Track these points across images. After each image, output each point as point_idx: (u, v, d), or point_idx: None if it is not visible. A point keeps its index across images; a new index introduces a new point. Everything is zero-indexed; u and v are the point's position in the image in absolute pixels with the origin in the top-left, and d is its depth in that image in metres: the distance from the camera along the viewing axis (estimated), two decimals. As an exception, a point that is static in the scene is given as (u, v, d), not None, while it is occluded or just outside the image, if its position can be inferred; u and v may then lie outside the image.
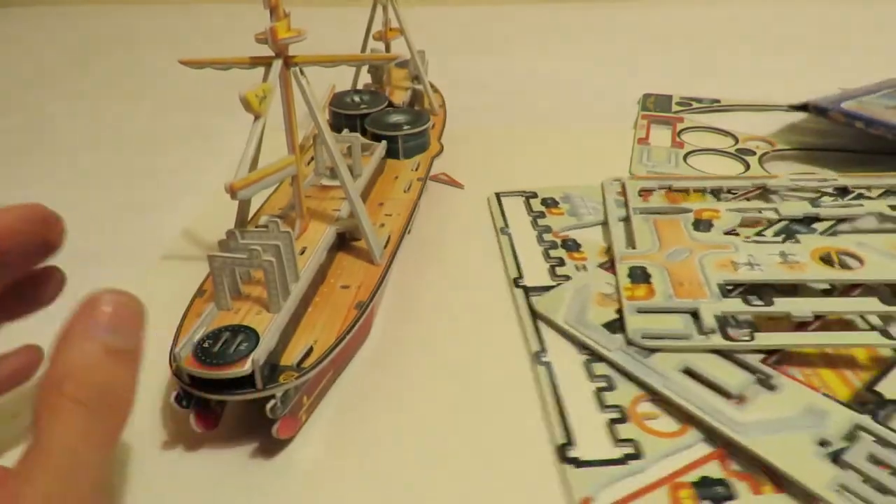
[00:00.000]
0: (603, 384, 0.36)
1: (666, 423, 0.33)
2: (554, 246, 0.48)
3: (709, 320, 0.38)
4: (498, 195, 0.55)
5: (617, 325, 0.39)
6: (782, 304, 0.39)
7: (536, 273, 0.45)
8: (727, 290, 0.40)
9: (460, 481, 0.32)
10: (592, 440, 0.33)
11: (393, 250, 0.42)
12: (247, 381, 0.31)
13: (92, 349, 0.24)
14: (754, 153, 0.63)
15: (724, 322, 0.38)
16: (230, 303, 0.34)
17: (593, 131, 0.69)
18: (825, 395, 0.34)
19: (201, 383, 0.31)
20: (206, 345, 0.31)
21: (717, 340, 0.37)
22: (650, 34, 1.04)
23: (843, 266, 0.42)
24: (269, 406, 0.31)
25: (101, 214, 0.56)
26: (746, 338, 0.37)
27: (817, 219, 0.49)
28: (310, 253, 0.38)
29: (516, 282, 0.44)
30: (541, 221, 0.51)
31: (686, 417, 0.33)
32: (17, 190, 0.60)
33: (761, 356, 0.36)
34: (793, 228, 0.48)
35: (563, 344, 0.39)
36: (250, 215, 0.42)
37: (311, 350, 0.34)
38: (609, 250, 0.46)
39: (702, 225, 0.48)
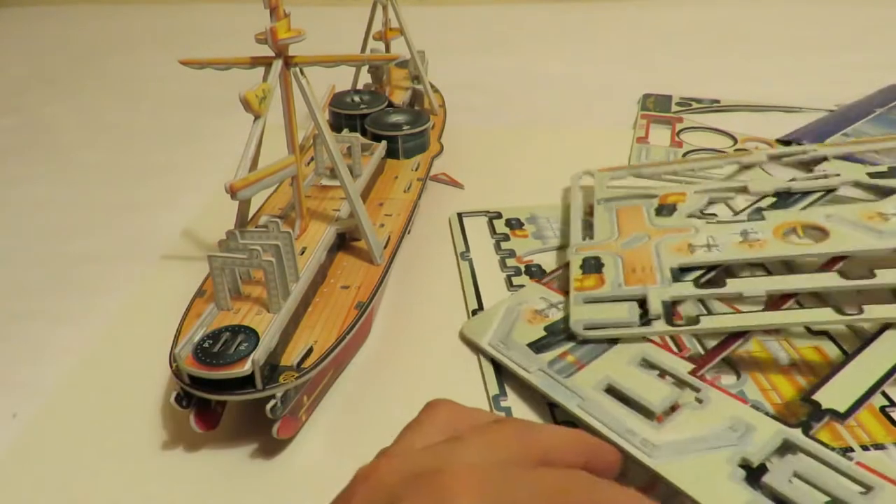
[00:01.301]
0: None
1: (633, 478, 0.30)
2: (517, 273, 0.45)
3: (655, 306, 0.36)
4: (460, 215, 0.52)
5: (542, 344, 0.37)
6: (735, 285, 0.37)
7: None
8: (679, 273, 0.39)
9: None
10: None
11: (393, 250, 0.42)
12: (247, 382, 0.31)
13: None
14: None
15: (668, 308, 0.36)
16: (230, 303, 0.34)
17: (593, 131, 0.69)
18: (754, 406, 0.32)
19: (201, 383, 0.31)
20: (206, 345, 0.31)
21: (661, 326, 0.35)
22: (650, 34, 1.04)
23: (807, 240, 0.40)
24: (269, 406, 0.31)
25: (101, 214, 0.56)
26: (691, 323, 0.35)
27: (790, 193, 0.46)
28: (310, 253, 0.38)
29: (475, 314, 0.42)
30: (504, 245, 0.48)
31: (651, 478, 0.30)
32: (18, 190, 0.60)
33: (691, 367, 0.34)
34: (776, 205, 0.46)
35: (527, 386, 0.36)
36: (250, 215, 0.42)
37: (311, 350, 0.34)
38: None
39: (665, 209, 0.46)
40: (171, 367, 0.33)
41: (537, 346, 0.37)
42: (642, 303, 0.37)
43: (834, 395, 0.32)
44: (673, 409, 0.32)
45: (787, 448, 0.30)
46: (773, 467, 0.28)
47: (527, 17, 1.14)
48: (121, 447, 0.34)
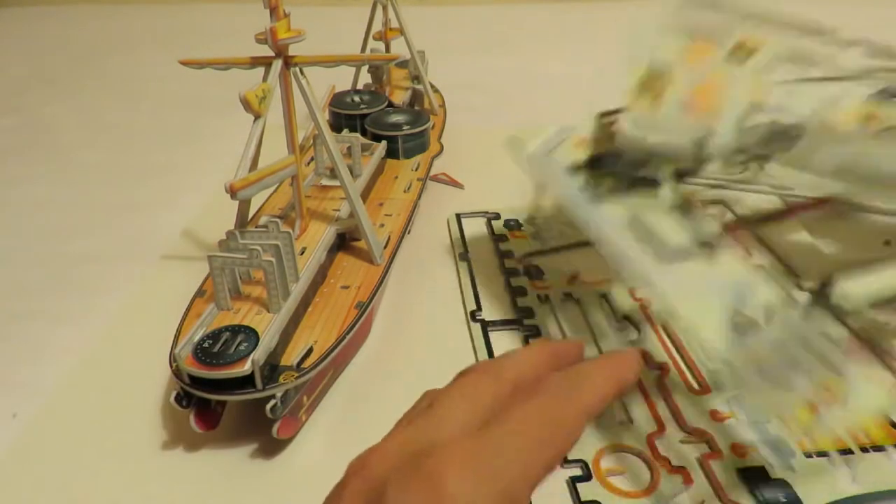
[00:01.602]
0: None
1: (633, 479, 0.31)
2: (516, 273, 0.45)
3: (716, 154, 0.32)
4: (458, 216, 0.52)
5: (583, 167, 0.35)
6: (804, 150, 0.33)
7: (496, 305, 0.42)
8: (745, 124, 0.34)
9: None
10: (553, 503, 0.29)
11: (393, 250, 0.42)
12: (247, 382, 0.31)
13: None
14: (754, 153, 0.63)
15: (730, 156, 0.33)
16: (230, 303, 0.34)
17: (593, 131, 0.69)
18: (767, 275, 0.29)
19: (201, 383, 0.31)
20: (206, 345, 0.31)
21: (713, 173, 0.33)
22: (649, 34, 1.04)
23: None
24: (269, 406, 0.31)
25: (101, 214, 0.56)
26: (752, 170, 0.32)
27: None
28: (310, 253, 0.38)
29: (473, 315, 0.41)
30: (503, 245, 0.48)
31: (654, 475, 0.30)
32: (18, 190, 0.60)
33: (725, 224, 0.32)
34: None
35: None
36: (250, 215, 0.42)
37: (311, 350, 0.34)
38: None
39: (740, 55, 0.39)
40: (171, 367, 0.33)
41: (576, 170, 0.35)
42: (699, 143, 0.33)
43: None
44: (686, 256, 0.30)
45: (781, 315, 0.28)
46: (762, 329, 0.27)
47: (527, 17, 1.14)
48: (121, 447, 0.34)
